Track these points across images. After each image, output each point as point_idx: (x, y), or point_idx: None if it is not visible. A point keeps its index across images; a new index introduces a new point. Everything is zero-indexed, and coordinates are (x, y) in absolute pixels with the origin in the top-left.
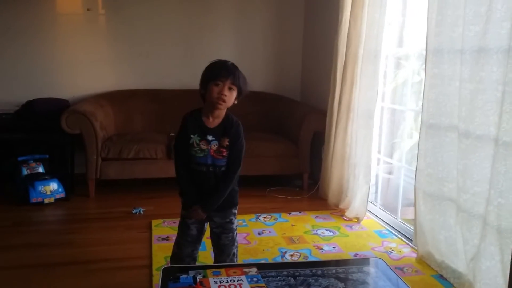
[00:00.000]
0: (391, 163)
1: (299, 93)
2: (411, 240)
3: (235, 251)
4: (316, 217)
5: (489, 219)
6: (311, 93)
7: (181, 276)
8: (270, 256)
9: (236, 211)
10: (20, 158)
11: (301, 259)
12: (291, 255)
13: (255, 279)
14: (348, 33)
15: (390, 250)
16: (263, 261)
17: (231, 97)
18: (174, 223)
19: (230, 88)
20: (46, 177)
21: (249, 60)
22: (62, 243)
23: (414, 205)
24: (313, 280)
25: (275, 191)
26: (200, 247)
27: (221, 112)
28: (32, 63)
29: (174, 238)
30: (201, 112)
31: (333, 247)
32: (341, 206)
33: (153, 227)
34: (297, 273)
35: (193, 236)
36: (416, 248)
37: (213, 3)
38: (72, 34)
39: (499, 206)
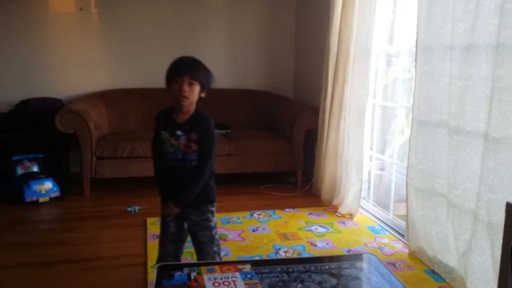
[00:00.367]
0: (383, 160)
1: (292, 91)
2: (403, 235)
3: (215, 249)
4: (310, 213)
5: (480, 215)
6: (304, 91)
7: (175, 274)
8: (264, 252)
9: (213, 209)
10: (14, 158)
11: (295, 256)
12: (285, 252)
13: (249, 276)
14: (340, 31)
15: (383, 246)
16: (257, 258)
17: (192, 92)
18: None
19: (190, 84)
20: (41, 176)
21: (242, 59)
22: (57, 242)
23: (406, 201)
24: (307, 276)
25: (269, 188)
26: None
27: (189, 108)
28: (25, 62)
29: None
30: (172, 109)
31: (327, 243)
32: (334, 202)
33: (148, 225)
34: (291, 269)
35: (173, 234)
36: (408, 243)
37: (205, 2)
38: (65, 34)
39: (490, 202)
